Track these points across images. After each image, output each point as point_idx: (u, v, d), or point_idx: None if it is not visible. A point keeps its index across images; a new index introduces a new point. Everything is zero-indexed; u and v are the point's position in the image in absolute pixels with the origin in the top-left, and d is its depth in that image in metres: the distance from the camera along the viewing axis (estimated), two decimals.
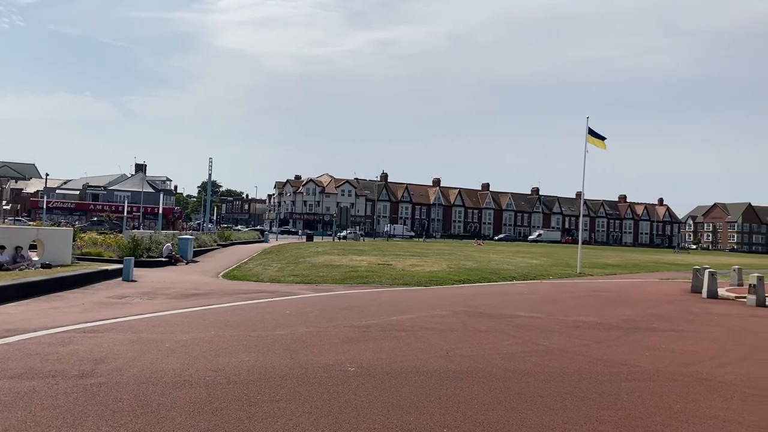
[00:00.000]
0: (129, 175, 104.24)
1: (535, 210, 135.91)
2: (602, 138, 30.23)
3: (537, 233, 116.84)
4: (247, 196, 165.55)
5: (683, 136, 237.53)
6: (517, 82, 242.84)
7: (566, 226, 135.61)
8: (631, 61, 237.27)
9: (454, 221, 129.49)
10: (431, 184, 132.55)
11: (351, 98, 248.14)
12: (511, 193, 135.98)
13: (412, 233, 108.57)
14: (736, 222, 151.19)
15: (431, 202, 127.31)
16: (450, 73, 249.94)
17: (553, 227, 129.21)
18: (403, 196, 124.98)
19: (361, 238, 73.98)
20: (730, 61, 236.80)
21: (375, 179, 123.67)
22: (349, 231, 76.25)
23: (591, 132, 29.90)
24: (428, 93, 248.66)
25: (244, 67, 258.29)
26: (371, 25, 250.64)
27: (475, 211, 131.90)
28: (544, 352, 8.65)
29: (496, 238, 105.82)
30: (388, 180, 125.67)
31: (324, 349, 8.13)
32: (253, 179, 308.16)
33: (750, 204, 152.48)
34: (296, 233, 76.31)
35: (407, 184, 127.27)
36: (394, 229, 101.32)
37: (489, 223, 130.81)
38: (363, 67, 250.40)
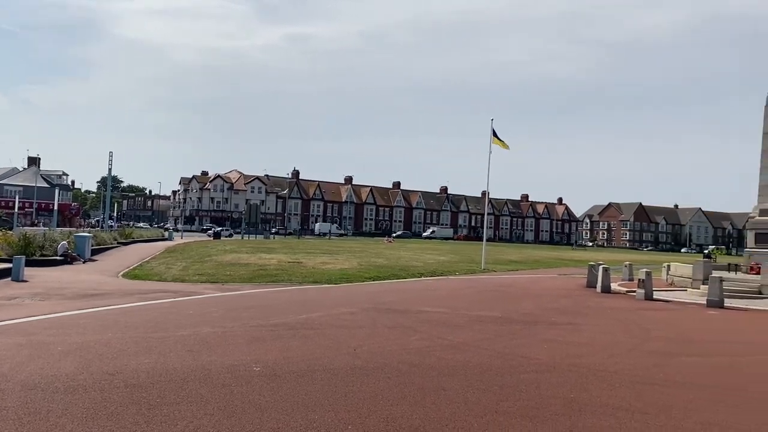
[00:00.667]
0: (21, 169, 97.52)
1: (443, 208, 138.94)
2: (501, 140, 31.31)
3: (430, 230, 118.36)
4: (150, 192, 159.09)
5: (581, 139, 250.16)
6: (429, 83, 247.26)
7: (473, 224, 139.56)
8: (536, 67, 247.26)
9: (366, 219, 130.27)
10: (343, 182, 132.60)
11: (262, 93, 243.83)
12: (421, 191, 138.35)
13: (343, 231, 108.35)
14: (628, 221, 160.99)
15: (343, 200, 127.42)
16: (363, 71, 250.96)
17: (443, 224, 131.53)
18: (314, 193, 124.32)
19: (272, 236, 72.87)
20: (625, 70, 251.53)
21: (286, 176, 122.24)
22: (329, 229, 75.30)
23: (495, 133, 30.94)
24: (341, 91, 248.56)
25: (148, 58, 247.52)
26: (284, 20, 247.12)
27: (386, 209, 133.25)
28: (448, 346, 8.87)
29: (394, 234, 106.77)
30: (300, 177, 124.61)
31: (228, 350, 7.96)
32: (157, 175, 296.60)
33: (641, 204, 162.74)
34: (210, 230, 73.96)
35: (319, 181, 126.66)
36: (320, 227, 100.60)
37: (399, 221, 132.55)
38: (275, 62, 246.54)
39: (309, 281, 19.95)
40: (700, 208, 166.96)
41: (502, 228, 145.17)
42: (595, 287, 20.40)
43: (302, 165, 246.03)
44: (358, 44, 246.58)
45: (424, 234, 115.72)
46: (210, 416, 5.15)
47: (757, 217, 23.22)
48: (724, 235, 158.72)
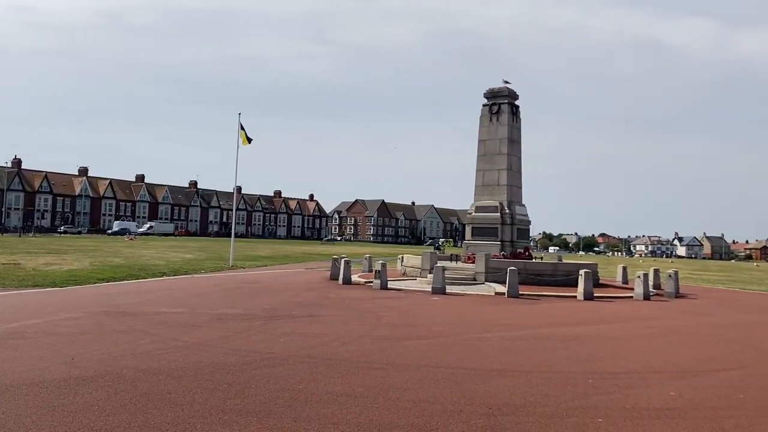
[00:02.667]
0: None
1: (192, 204, 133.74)
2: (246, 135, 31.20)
3: (147, 225, 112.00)
4: None
5: (332, 137, 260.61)
6: (173, 73, 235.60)
7: (224, 219, 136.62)
8: (287, 64, 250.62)
9: (104, 215, 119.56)
10: (77, 173, 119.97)
11: None
12: (168, 185, 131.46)
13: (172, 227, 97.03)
14: (373, 216, 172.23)
15: (76, 194, 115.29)
16: (97, 53, 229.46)
17: (162, 218, 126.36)
18: (41, 186, 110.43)
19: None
20: (369, 73, 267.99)
21: (5, 165, 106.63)
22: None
23: (242, 128, 30.68)
24: (73, 71, 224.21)
25: None
26: None
27: (129, 204, 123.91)
28: (182, 347, 8.53)
29: (109, 231, 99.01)
30: (23, 167, 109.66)
31: None
32: None
33: (383, 201, 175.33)
34: None
35: (47, 172, 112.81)
36: (119, 225, 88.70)
37: (143, 216, 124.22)
38: None
39: (28, 285, 17.65)
40: (433, 205, 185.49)
41: (254, 224, 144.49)
42: (338, 279, 21.37)
43: (26, 154, 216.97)
44: (94, 22, 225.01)
45: (140, 230, 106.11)
46: None
47: (474, 213, 26.45)
48: (452, 229, 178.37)
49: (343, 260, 21.65)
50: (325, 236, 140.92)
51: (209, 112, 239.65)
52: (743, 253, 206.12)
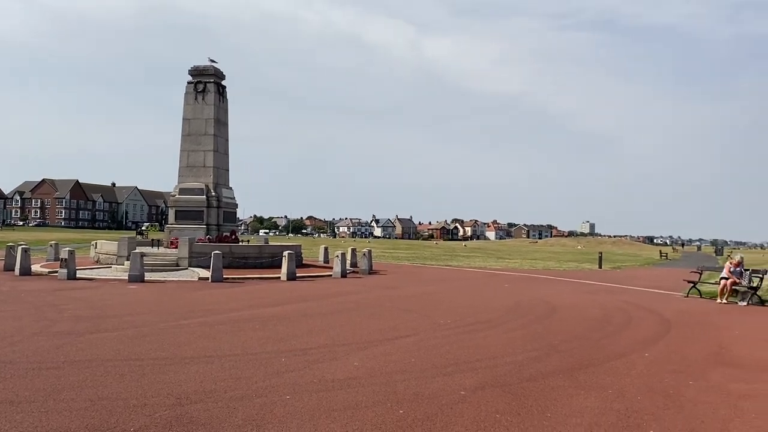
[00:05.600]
0: None
1: None
2: None
3: None
4: None
5: (15, 107, 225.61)
6: None
7: None
8: None
9: None
10: None
11: None
12: None
13: None
14: (64, 198, 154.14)
15: None
16: None
17: None
18: None
19: None
20: (69, 40, 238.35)
21: None
22: None
23: None
24: None
25: None
26: None
27: None
28: None
29: None
30: None
31: None
32: None
33: (78, 181, 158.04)
34: None
35: None
36: None
37: None
38: None
39: None
40: (136, 187, 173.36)
41: None
42: (14, 270, 18.66)
43: None
44: None
45: None
46: None
47: (177, 196, 25.37)
48: (158, 212, 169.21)
49: (20, 248, 18.91)
50: (4, 221, 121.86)
51: None
52: (427, 233, 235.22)
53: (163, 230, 29.93)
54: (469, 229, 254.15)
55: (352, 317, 11.58)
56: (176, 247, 21.73)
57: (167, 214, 27.75)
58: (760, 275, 16.42)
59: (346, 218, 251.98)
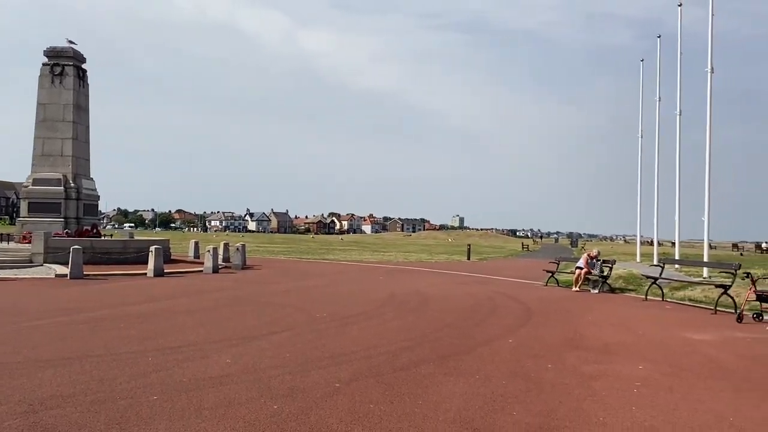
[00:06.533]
0: None
1: None
2: None
3: None
4: None
5: None
6: None
7: None
8: None
9: None
10: None
11: None
12: None
13: None
14: None
15: None
16: None
17: None
18: None
19: None
20: None
21: None
22: None
23: None
24: None
25: None
26: None
27: None
28: None
29: None
30: None
31: None
32: None
33: None
34: None
35: None
36: None
37: None
38: None
39: None
40: None
41: None
42: None
43: None
44: None
45: None
46: None
47: (31, 187, 23.40)
48: (8, 204, 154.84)
49: None
50: None
51: None
52: (303, 227, 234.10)
53: (14, 224, 27.48)
54: (345, 223, 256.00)
55: (224, 314, 11.27)
56: (29, 242, 20.02)
57: (19, 207, 25.49)
58: (610, 265, 17.95)
59: (218, 212, 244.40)
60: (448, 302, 13.80)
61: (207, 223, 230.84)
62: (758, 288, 11.99)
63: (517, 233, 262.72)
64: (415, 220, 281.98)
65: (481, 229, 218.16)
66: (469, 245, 45.26)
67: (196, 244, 28.07)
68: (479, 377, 6.72)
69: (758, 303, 11.88)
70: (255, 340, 8.62)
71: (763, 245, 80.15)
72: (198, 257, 26.11)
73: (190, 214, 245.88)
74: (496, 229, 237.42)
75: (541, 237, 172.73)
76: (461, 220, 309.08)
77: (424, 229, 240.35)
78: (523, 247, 71.90)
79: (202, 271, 20.37)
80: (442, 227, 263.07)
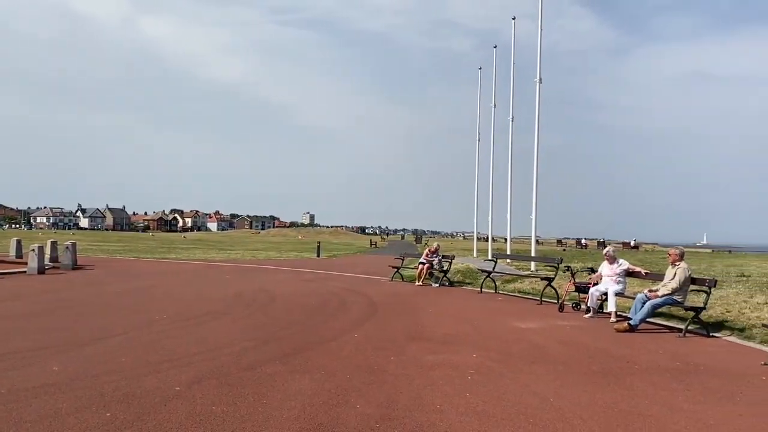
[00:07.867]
0: None
1: None
2: None
3: None
4: None
5: None
6: None
7: None
8: None
9: None
10: None
11: None
12: None
13: None
14: None
15: None
16: None
17: None
18: None
19: None
20: None
21: None
22: None
23: None
24: None
25: None
26: None
27: None
28: None
29: None
30: None
31: None
32: None
33: None
34: None
35: None
36: None
37: None
38: None
39: None
40: None
41: None
42: None
43: None
44: None
45: None
46: None
47: None
48: None
49: None
50: None
51: None
52: (142, 224, 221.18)
53: None
54: (189, 220, 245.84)
55: (52, 318, 10.38)
56: None
57: None
58: (450, 260, 18.95)
59: (45, 207, 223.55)
60: (295, 299, 13.79)
61: (32, 220, 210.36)
62: (576, 280, 13.31)
63: (366, 230, 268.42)
64: (265, 217, 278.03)
65: (332, 227, 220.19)
66: (319, 242, 45.48)
67: (18, 242, 25.47)
68: (324, 373, 6.81)
69: (577, 294, 13.20)
70: (87, 345, 8.03)
71: (583, 241, 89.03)
72: (21, 257, 23.74)
73: (11, 209, 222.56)
74: (346, 227, 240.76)
75: (388, 234, 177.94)
76: (312, 217, 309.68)
77: (274, 227, 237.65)
78: (371, 244, 73.59)
79: (26, 272, 18.57)
80: (292, 224, 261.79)
